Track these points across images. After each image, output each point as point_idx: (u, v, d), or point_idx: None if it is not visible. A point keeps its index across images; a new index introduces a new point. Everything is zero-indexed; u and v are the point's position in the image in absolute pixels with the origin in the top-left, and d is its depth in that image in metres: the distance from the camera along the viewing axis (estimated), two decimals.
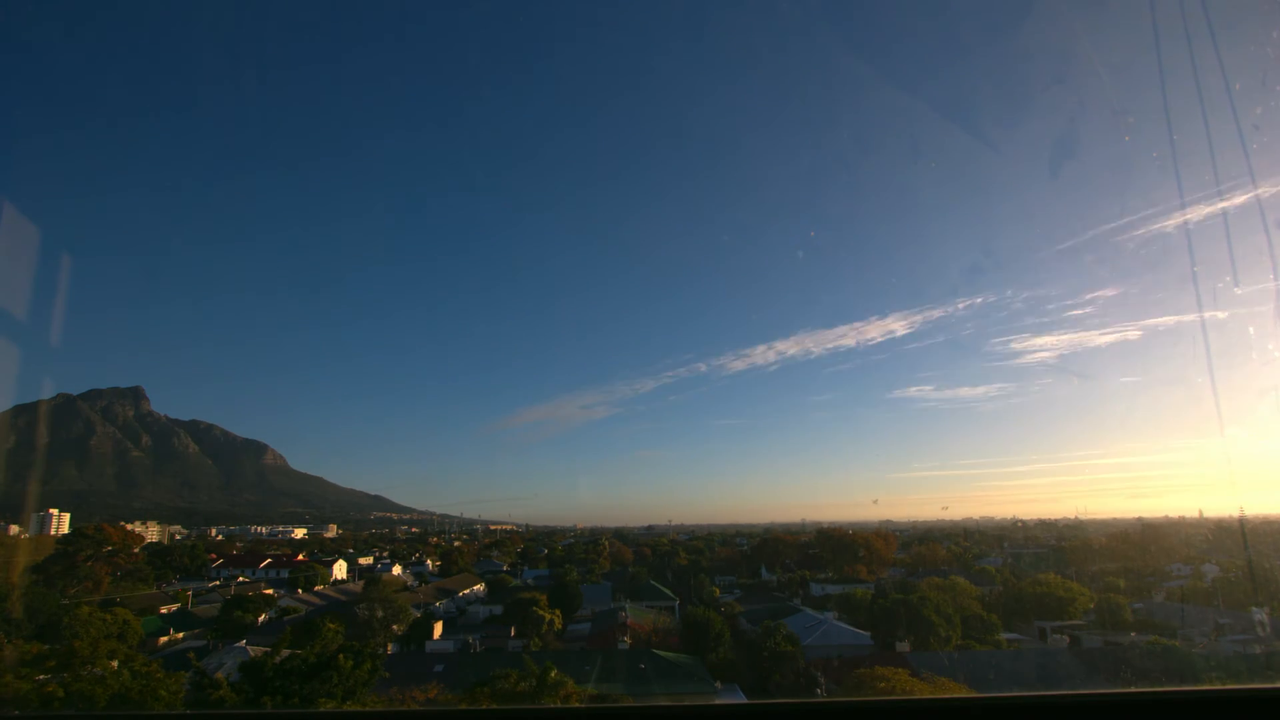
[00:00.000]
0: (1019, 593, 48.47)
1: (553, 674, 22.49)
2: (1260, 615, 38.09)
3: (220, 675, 21.56)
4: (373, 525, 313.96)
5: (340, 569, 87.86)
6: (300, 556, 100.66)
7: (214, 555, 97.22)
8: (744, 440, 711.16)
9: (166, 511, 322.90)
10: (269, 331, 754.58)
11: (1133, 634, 38.11)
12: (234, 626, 43.86)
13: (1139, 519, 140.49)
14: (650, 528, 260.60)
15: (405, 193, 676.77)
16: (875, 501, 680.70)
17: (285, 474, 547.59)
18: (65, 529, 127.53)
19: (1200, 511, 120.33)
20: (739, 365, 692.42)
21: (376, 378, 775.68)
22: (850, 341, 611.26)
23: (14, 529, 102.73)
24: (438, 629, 43.14)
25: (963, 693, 23.74)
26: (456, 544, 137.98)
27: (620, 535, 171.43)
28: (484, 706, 15.88)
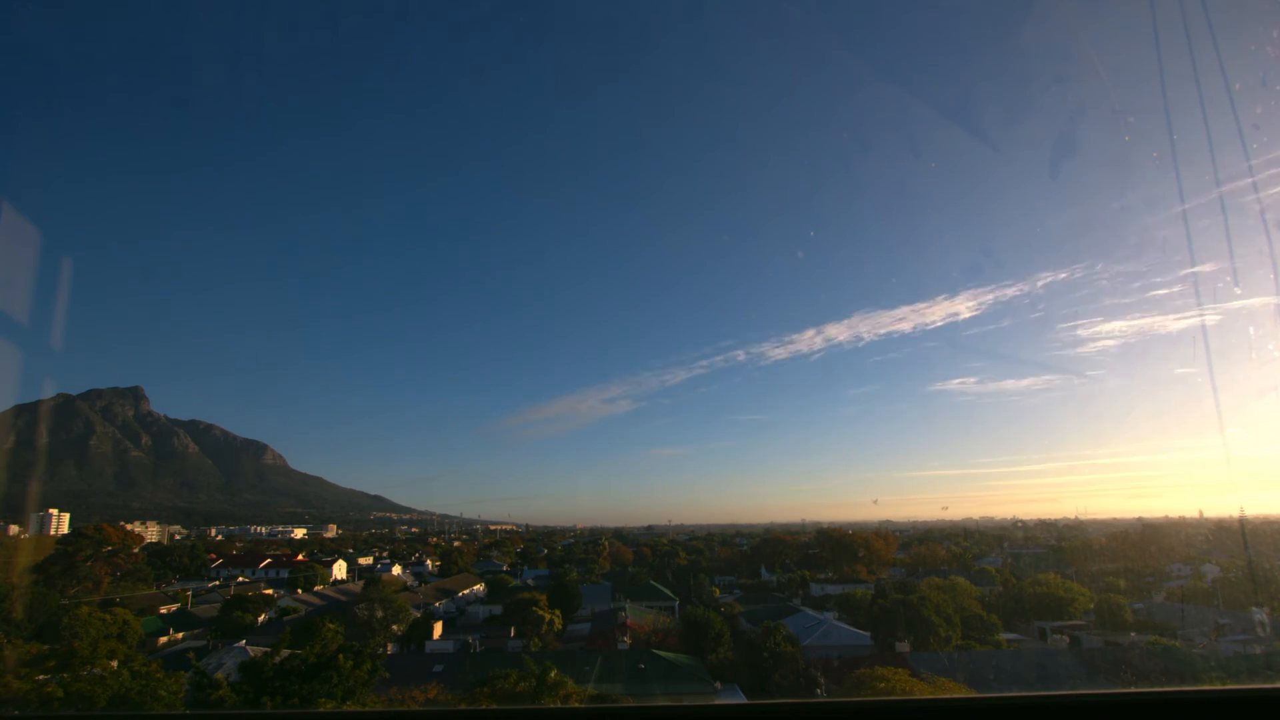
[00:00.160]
0: (1019, 593, 48.49)
1: (552, 674, 22.51)
2: (1260, 615, 38.10)
3: (220, 675, 21.55)
4: (372, 525, 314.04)
5: (340, 569, 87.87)
6: (300, 556, 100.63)
7: (213, 555, 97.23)
8: (767, 437, 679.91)
9: (166, 511, 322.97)
10: (268, 331, 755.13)
11: (1133, 634, 38.12)
12: (234, 627, 43.85)
13: (1139, 519, 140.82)
14: (650, 528, 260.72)
15: (406, 182, 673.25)
16: (875, 501, 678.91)
17: (285, 474, 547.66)
18: (65, 529, 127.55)
19: (1200, 511, 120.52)
20: (780, 353, 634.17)
21: (377, 377, 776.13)
22: (906, 326, 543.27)
23: (14, 529, 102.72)
24: (437, 629, 43.14)
25: (963, 693, 23.75)
26: (456, 544, 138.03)
27: (620, 535, 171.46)
28: (484, 706, 15.88)
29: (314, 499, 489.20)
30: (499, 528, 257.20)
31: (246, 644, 32.18)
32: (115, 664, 23.58)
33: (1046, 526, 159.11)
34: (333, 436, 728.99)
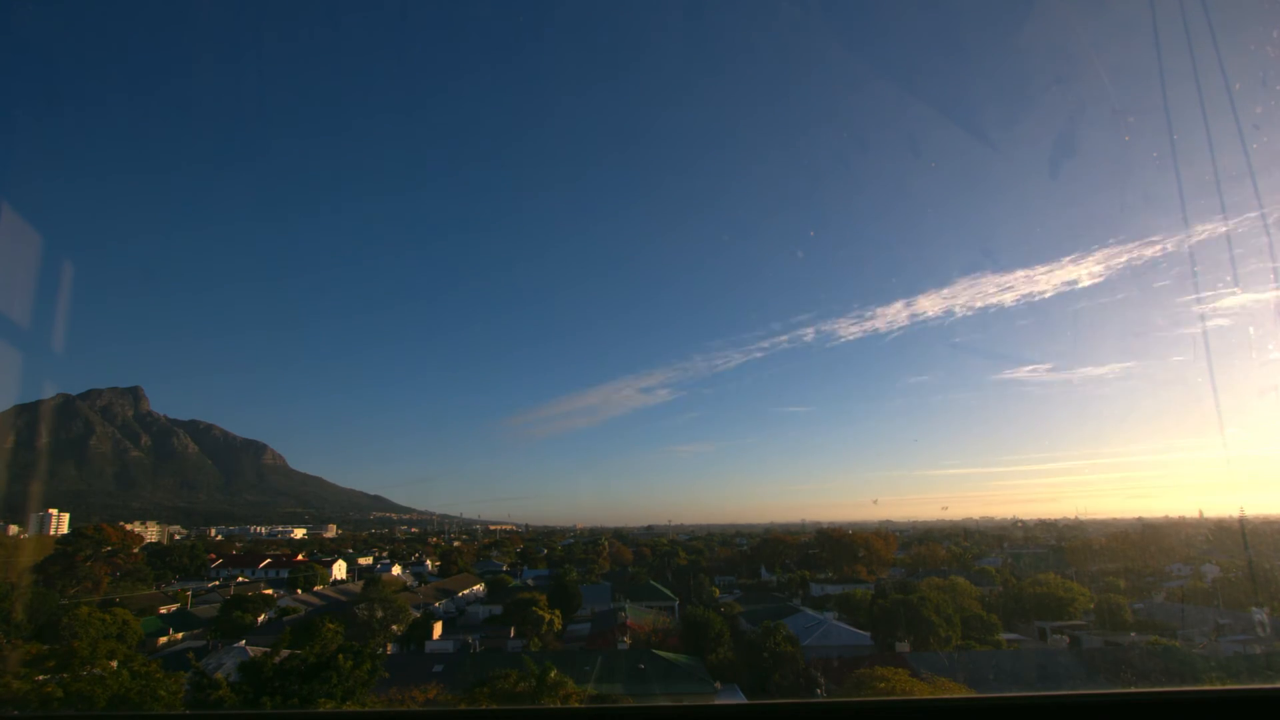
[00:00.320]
0: (1019, 593, 48.49)
1: (552, 674, 22.53)
2: (1260, 615, 38.14)
3: (220, 675, 21.57)
4: (372, 525, 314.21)
5: (340, 569, 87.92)
6: (299, 557, 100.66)
7: (213, 555, 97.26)
8: (805, 431, 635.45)
9: (166, 511, 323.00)
10: (268, 331, 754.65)
11: (1133, 634, 38.13)
12: (233, 627, 43.86)
13: (1139, 519, 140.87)
14: (650, 528, 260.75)
15: (405, 181, 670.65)
16: (875, 501, 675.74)
17: (285, 474, 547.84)
18: (64, 529, 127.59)
19: (1200, 511, 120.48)
20: (855, 331, 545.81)
21: (377, 377, 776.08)
22: (1007, 299, 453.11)
23: (14, 529, 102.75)
24: (437, 629, 43.16)
25: (963, 693, 23.76)
26: (456, 544, 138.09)
27: (620, 535, 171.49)
28: (484, 706, 15.90)
29: (314, 499, 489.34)
30: (499, 528, 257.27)
31: (246, 644, 32.19)
32: (115, 664, 23.59)
33: (1046, 526, 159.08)
34: (332, 436, 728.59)
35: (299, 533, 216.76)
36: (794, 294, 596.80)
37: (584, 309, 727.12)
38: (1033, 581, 49.90)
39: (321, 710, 16.49)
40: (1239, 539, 70.32)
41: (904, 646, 34.13)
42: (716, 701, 19.35)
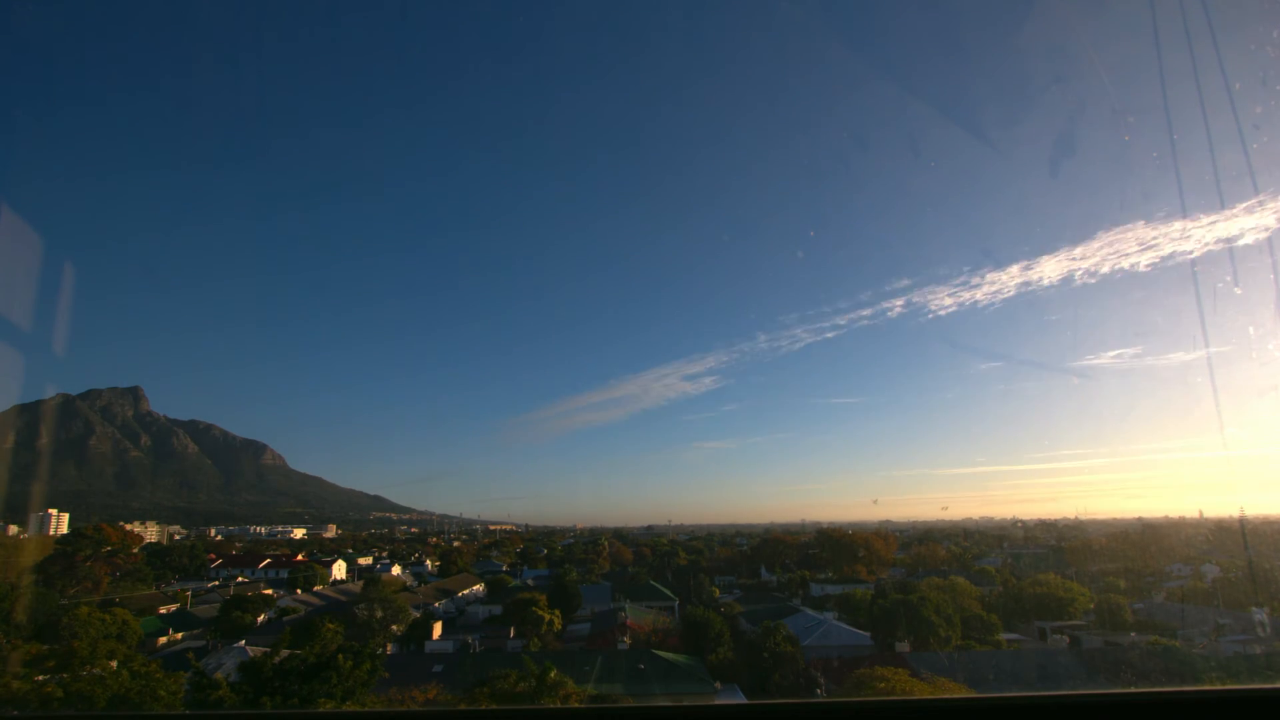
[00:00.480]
0: (1019, 593, 48.47)
1: (552, 674, 22.52)
2: (1260, 615, 38.15)
3: (219, 675, 21.57)
4: (372, 525, 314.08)
5: (339, 569, 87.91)
6: (299, 557, 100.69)
7: (213, 555, 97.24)
8: (805, 431, 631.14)
9: (165, 511, 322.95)
10: (268, 331, 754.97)
11: (1133, 634, 38.14)
12: (233, 627, 43.87)
13: (1139, 519, 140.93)
14: (650, 528, 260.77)
15: (404, 180, 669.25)
16: (875, 501, 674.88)
17: (284, 474, 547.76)
18: (64, 529, 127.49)
19: (1200, 511, 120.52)
20: (948, 304, 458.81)
21: (376, 377, 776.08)
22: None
23: (13, 529, 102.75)
24: (437, 629, 43.15)
25: (963, 693, 23.76)
26: (456, 544, 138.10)
27: (620, 535, 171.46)
28: (484, 707, 15.90)
29: (313, 499, 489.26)
30: (498, 528, 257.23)
31: (246, 644, 32.18)
32: (115, 664, 23.61)
33: (1046, 526, 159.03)
34: (332, 436, 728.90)
35: (299, 533, 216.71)
36: (788, 294, 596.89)
37: (584, 310, 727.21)
38: (1033, 581, 49.88)
39: (321, 710, 16.49)
40: (1239, 539, 70.32)
41: (904, 646, 34.14)
42: (716, 701, 19.35)
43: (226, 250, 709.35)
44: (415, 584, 69.70)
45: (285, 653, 20.92)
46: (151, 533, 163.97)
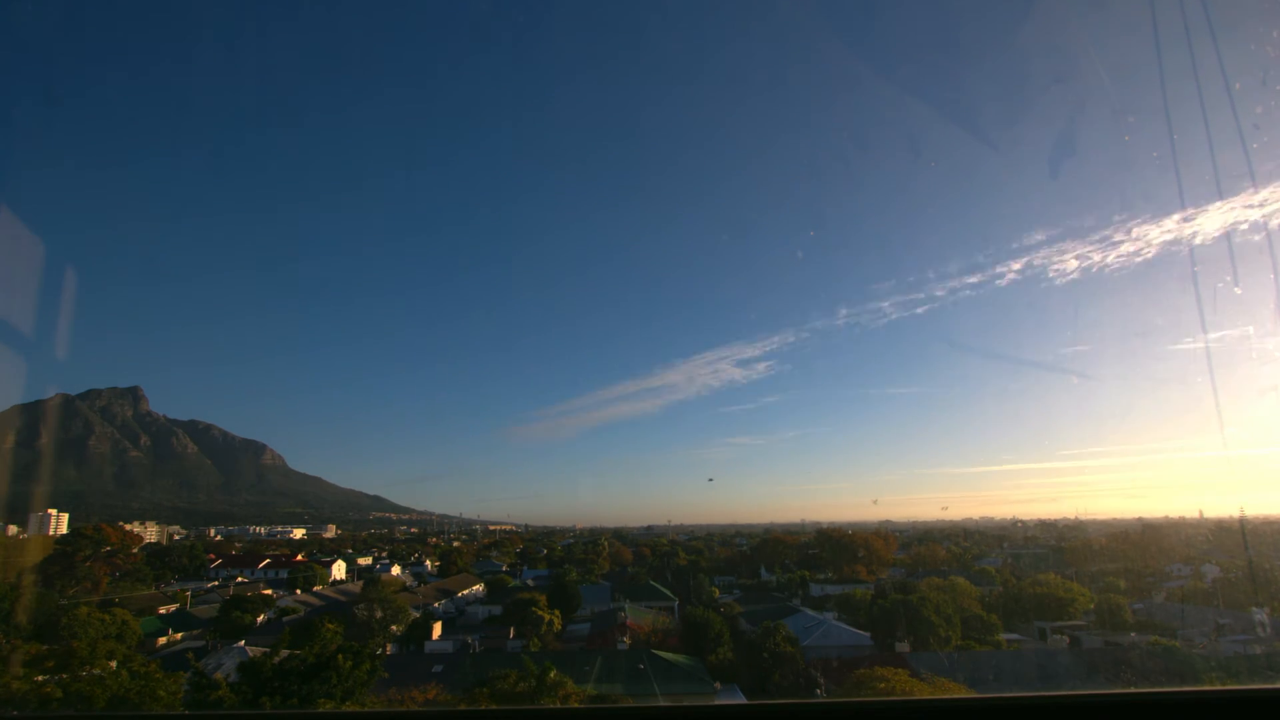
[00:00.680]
0: (1019, 593, 48.48)
1: (552, 674, 22.52)
2: (1260, 615, 38.15)
3: (219, 676, 21.57)
4: (372, 525, 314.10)
5: (339, 569, 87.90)
6: (299, 557, 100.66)
7: (212, 555, 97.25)
8: (804, 432, 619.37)
9: (165, 512, 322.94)
10: (268, 331, 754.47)
11: (1133, 634, 38.14)
12: (233, 627, 43.87)
13: (1139, 519, 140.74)
14: (650, 528, 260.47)
15: (404, 179, 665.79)
16: (875, 501, 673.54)
17: (284, 474, 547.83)
18: (64, 529, 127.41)
19: (1200, 511, 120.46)
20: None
21: (376, 377, 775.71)
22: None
23: (13, 529, 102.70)
24: (437, 629, 43.15)
25: (963, 693, 23.76)
26: (455, 544, 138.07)
27: (619, 535, 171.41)
28: (483, 707, 15.89)
29: (313, 499, 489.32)
30: (498, 528, 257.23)
31: (246, 644, 32.19)
32: (114, 664, 23.57)
33: (1046, 527, 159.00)
34: (332, 436, 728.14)
35: (298, 533, 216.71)
36: (788, 293, 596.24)
37: (583, 309, 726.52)
38: (1033, 582, 49.90)
39: (321, 710, 16.48)
40: (1239, 539, 70.26)
41: (904, 646, 34.15)
42: (716, 701, 19.37)
43: (226, 248, 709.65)
44: (415, 584, 69.69)
45: (285, 653, 20.92)
46: (151, 533, 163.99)
